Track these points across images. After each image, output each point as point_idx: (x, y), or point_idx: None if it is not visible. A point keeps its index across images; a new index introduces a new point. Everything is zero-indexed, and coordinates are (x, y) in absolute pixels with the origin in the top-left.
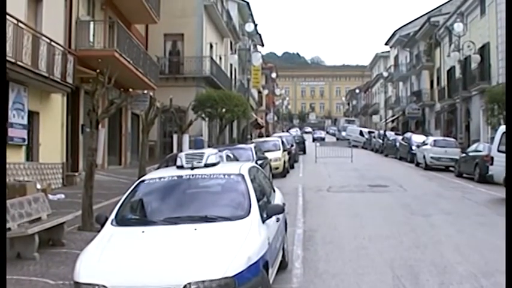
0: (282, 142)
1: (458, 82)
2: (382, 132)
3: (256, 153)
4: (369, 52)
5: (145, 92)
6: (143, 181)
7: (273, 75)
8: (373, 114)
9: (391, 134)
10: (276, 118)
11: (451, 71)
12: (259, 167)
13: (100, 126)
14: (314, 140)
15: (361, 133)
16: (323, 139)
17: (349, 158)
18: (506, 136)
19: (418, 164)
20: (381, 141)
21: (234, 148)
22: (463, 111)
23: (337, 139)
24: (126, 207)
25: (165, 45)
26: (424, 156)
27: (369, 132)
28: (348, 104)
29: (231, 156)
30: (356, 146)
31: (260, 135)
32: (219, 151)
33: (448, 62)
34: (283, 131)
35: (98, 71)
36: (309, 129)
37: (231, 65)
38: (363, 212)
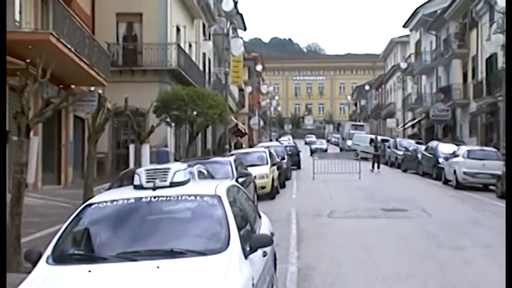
0: (270, 154)
1: (501, 74)
2: (399, 140)
3: (236, 168)
4: (381, 37)
5: (93, 89)
6: (90, 205)
7: (259, 67)
8: (388, 118)
9: (410, 143)
10: (262, 123)
11: (491, 60)
12: (240, 186)
13: (32, 133)
14: (312, 152)
15: (371, 142)
16: (325, 150)
17: (357, 174)
18: (506, 137)
19: (446, 182)
20: (397, 152)
21: (208, 162)
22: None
23: (341, 149)
24: (67, 240)
25: (117, 28)
26: (454, 172)
27: (383, 141)
28: (355, 105)
29: (205, 172)
30: (366, 159)
31: (237, 146)
32: (189, 166)
33: (487, 48)
34: (271, 140)
35: (27, 60)
36: (311, 138)
37: (204, 54)
38: (375, 244)
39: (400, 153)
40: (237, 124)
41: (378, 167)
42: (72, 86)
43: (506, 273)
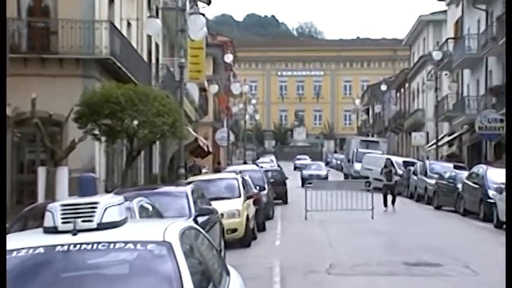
0: (244, 183)
1: None
2: (430, 163)
3: (195, 203)
4: (405, 15)
5: None
6: None
7: (228, 57)
8: (414, 131)
9: (447, 168)
10: (233, 138)
11: None
12: (200, 228)
13: None
14: (305, 181)
15: (385, 167)
16: (325, 177)
17: (368, 212)
18: (506, 137)
19: (500, 224)
20: (427, 180)
21: (154, 193)
22: None
23: (346, 176)
24: None
25: None
26: None
27: (406, 164)
28: (367, 112)
29: (149, 208)
30: (381, 189)
31: (195, 172)
32: (127, 199)
33: None
34: (246, 162)
35: None
36: (304, 160)
37: (149, 38)
38: None
39: (432, 182)
40: (196, 139)
41: (393, 203)
42: None
43: (506, 273)
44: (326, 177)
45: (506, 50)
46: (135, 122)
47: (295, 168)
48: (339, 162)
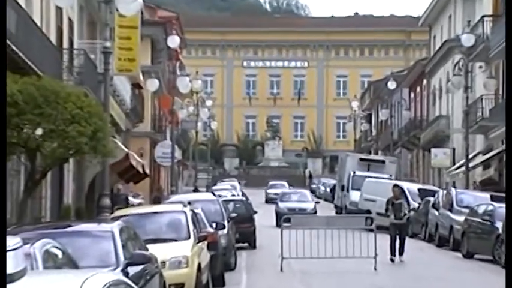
0: (195, 218)
1: None
2: (457, 193)
3: (125, 246)
4: None
5: None
6: None
7: (173, 41)
8: (435, 147)
9: (481, 199)
10: (180, 154)
11: None
12: (132, 283)
13: None
14: (280, 216)
15: (400, 196)
16: (313, 212)
17: (370, 261)
18: (506, 138)
19: None
20: (453, 216)
21: (66, 234)
22: None
23: (339, 209)
24: None
25: None
26: None
27: (422, 194)
28: (369, 120)
29: (59, 254)
30: (387, 229)
31: (118, 204)
32: (26, 242)
33: None
34: (197, 189)
35: None
36: (281, 188)
37: (59, 11)
38: None
39: (460, 219)
40: (128, 156)
41: (401, 252)
42: None
43: (506, 273)
44: (314, 213)
45: (506, 50)
46: (39, 131)
47: (268, 200)
48: (328, 189)
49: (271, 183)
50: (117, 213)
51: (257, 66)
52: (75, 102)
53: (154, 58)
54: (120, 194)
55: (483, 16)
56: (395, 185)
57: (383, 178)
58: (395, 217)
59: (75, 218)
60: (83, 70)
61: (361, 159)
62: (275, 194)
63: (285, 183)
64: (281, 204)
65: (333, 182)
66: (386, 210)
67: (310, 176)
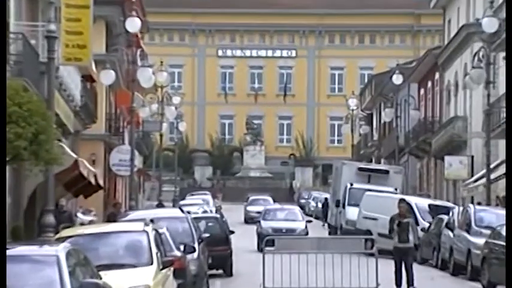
0: (159, 239)
1: None
2: (475, 210)
3: (73, 273)
4: None
5: None
6: None
7: (133, 23)
8: (449, 154)
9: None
10: (140, 161)
11: None
12: None
13: None
14: (262, 237)
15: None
16: (303, 234)
17: None
18: (506, 138)
19: None
20: (471, 238)
21: None
22: None
23: (333, 229)
24: None
25: None
26: None
27: (434, 211)
28: (369, 121)
29: None
30: (391, 253)
31: (63, 223)
32: None
33: None
34: (161, 204)
35: None
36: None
37: None
38: None
39: (480, 242)
40: (77, 164)
41: (410, 282)
42: None
43: (506, 273)
44: (305, 234)
45: (506, 50)
46: None
47: (248, 219)
48: (320, 205)
49: (252, 198)
50: (64, 233)
51: (235, 56)
52: (12, 97)
53: (109, 45)
54: (65, 210)
55: None
56: (402, 200)
57: (386, 192)
58: (400, 239)
59: (11, 240)
60: (22, 59)
61: (360, 169)
62: (257, 212)
63: (269, 198)
64: (264, 224)
65: (325, 196)
66: (390, 231)
67: (291, 189)
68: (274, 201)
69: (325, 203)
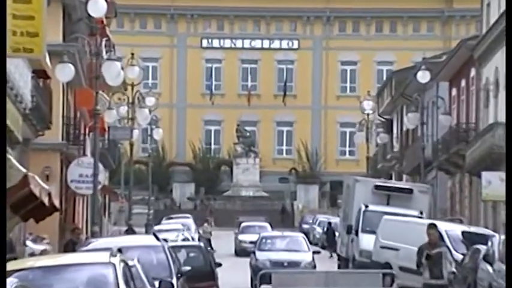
0: (129, 274)
1: None
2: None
3: None
4: None
5: None
6: None
7: (96, 7)
8: (486, 170)
9: None
10: (105, 178)
11: None
12: None
13: None
14: (257, 271)
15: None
16: (310, 267)
17: None
18: (506, 138)
19: None
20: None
21: None
22: None
23: (344, 261)
24: None
25: None
26: None
27: (469, 240)
28: (389, 129)
29: None
30: None
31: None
32: None
33: None
34: (131, 230)
35: None
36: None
37: None
38: None
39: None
40: (26, 179)
41: None
42: None
43: (506, 272)
44: (313, 267)
45: (506, 50)
46: None
47: (239, 251)
48: (323, 230)
49: (244, 224)
50: (10, 265)
51: (223, 47)
52: None
53: (67, 33)
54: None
55: None
56: (432, 226)
57: (410, 216)
58: (432, 275)
59: None
60: None
61: (377, 187)
62: (251, 242)
63: (266, 225)
64: (260, 255)
65: (334, 220)
66: (419, 265)
67: (284, 211)
68: (272, 226)
69: (330, 228)
